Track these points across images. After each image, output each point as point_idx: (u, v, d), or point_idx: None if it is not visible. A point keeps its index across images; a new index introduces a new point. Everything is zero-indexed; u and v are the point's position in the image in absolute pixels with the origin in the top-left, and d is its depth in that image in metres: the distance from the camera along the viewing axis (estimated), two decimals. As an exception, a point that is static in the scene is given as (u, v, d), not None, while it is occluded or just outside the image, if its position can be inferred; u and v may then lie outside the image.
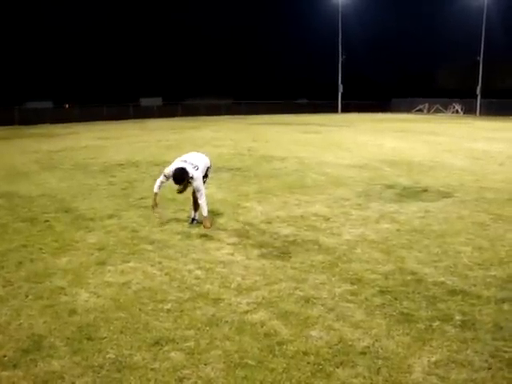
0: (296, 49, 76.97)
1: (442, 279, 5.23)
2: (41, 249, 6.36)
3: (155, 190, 7.31)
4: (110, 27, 69.54)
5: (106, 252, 6.21)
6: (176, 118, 45.24)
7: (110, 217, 8.03)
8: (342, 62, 59.23)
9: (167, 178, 7.16)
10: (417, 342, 3.92)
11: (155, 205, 7.35)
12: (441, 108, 55.85)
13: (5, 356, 3.77)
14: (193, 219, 7.56)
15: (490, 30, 52.01)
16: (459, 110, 54.42)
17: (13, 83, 57.56)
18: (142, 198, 9.42)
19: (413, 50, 72.53)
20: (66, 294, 4.92)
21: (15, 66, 61.32)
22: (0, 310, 4.58)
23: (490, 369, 3.54)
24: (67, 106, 49.90)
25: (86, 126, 35.03)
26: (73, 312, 4.51)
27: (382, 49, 73.76)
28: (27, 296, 4.89)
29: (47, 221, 7.80)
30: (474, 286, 5.05)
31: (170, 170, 7.15)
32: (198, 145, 18.93)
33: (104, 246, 6.43)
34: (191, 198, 7.60)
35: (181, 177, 6.97)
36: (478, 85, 51.87)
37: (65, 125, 37.13)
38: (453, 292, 4.88)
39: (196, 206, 7.49)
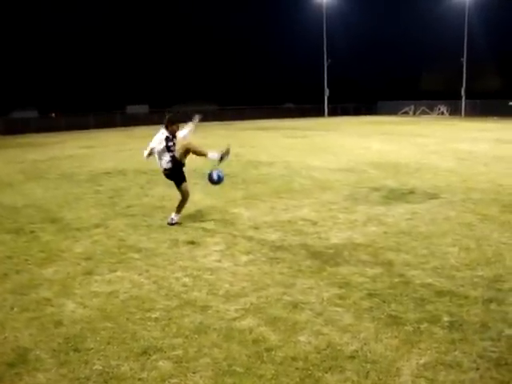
0: (282, 53, 77.25)
1: (430, 280, 5.24)
2: (26, 260, 6.29)
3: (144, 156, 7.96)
4: (95, 36, 69.33)
5: (92, 261, 6.16)
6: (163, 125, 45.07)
7: (97, 226, 7.97)
8: (327, 66, 59.52)
9: (154, 150, 7.73)
10: (405, 344, 3.92)
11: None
12: (427, 110, 56.26)
13: (-11, 370, 3.72)
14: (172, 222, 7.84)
15: (473, 32, 52.64)
16: (444, 111, 54.87)
17: (-2, 93, 57.12)
18: (129, 207, 9.36)
19: (398, 52, 73.14)
20: (52, 306, 4.87)
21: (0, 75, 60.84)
22: (-15, 323, 4.52)
23: (478, 369, 3.55)
24: (53, 114, 49.66)
25: (72, 135, 34.83)
26: (59, 323, 4.46)
27: (368, 52, 74.34)
28: (12, 308, 4.83)
29: (33, 231, 7.72)
30: (462, 286, 5.07)
31: (158, 141, 7.67)
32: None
33: (91, 256, 6.38)
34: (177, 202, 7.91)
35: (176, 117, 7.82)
36: (462, 86, 52.37)
37: (50, 134, 36.91)
38: (440, 293, 4.90)
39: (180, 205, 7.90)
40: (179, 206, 7.91)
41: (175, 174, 7.80)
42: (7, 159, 19.35)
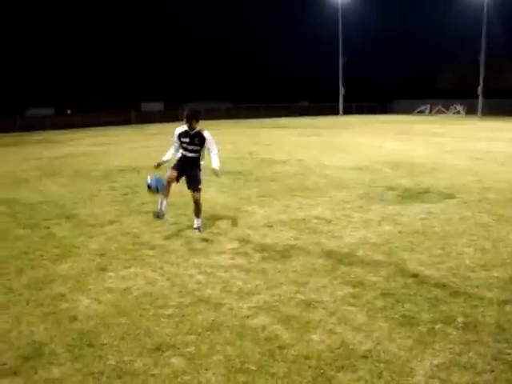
0: (297, 51, 77.16)
1: (444, 281, 5.20)
2: (42, 255, 6.35)
3: (164, 158, 7.40)
4: (110, 33, 69.74)
5: (107, 258, 6.20)
6: (177, 123, 45.26)
7: (111, 222, 8.02)
8: (343, 64, 59.26)
9: (174, 141, 7.28)
10: (419, 344, 3.89)
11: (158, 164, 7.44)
12: (442, 109, 55.80)
13: (5, 364, 3.76)
14: (198, 228, 7.37)
15: (491, 29, 52.05)
16: (461, 110, 54.36)
17: (14, 90, 57.75)
18: (143, 204, 9.40)
19: (414, 51, 72.69)
20: (66, 301, 4.91)
21: (16, 73, 61.50)
22: (0, 317, 4.57)
23: (492, 371, 3.51)
24: (69, 111, 50.09)
25: (88, 132, 35.09)
26: (73, 319, 4.50)
27: (383, 50, 74.05)
28: (28, 303, 4.88)
29: (48, 227, 7.79)
30: (477, 287, 5.02)
31: (173, 133, 7.28)
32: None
33: (105, 252, 6.42)
34: (192, 205, 7.55)
35: (194, 114, 7.14)
36: (479, 85, 51.82)
37: (66, 131, 37.21)
38: (455, 294, 4.85)
39: (197, 210, 7.42)
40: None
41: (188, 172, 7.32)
42: (23, 156, 19.55)
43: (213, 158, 7.33)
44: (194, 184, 7.32)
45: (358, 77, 69.67)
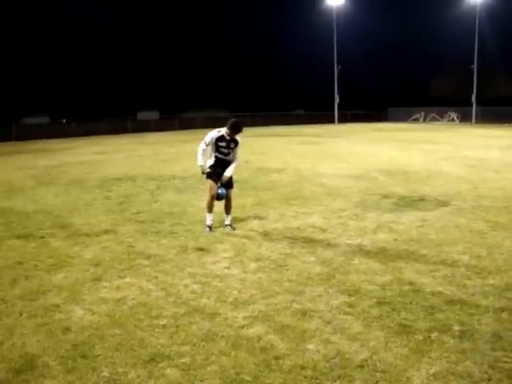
0: (292, 60, 77.46)
1: (440, 289, 5.18)
2: (36, 265, 6.30)
3: (200, 162, 7.77)
4: (106, 42, 69.86)
5: (101, 268, 6.15)
6: (173, 132, 45.28)
7: (106, 232, 7.97)
8: (337, 72, 59.46)
9: (207, 144, 7.73)
10: (415, 353, 3.87)
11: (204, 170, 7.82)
12: (437, 116, 56.03)
13: (-3, 377, 3.71)
14: (230, 225, 7.94)
15: (484, 38, 52.50)
16: (455, 118, 54.61)
17: (9, 99, 57.63)
18: (138, 213, 9.37)
19: (408, 59, 73.13)
20: (60, 312, 4.86)
21: (11, 81, 61.43)
22: (-7, 329, 4.52)
23: (489, 380, 3.49)
24: (64, 120, 49.99)
25: (83, 141, 35.03)
26: (67, 330, 4.45)
27: (378, 59, 74.36)
28: (21, 314, 4.83)
29: (43, 237, 7.74)
30: (473, 295, 5.01)
31: (209, 136, 7.71)
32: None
33: (100, 262, 6.37)
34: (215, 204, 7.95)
35: (241, 127, 7.73)
36: (472, 93, 52.12)
37: (62, 140, 37.14)
38: (451, 302, 4.84)
39: (230, 207, 7.98)
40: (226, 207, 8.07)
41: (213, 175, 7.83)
42: (19, 165, 19.48)
43: (230, 167, 7.89)
44: (229, 183, 7.94)
45: (352, 85, 69.95)
